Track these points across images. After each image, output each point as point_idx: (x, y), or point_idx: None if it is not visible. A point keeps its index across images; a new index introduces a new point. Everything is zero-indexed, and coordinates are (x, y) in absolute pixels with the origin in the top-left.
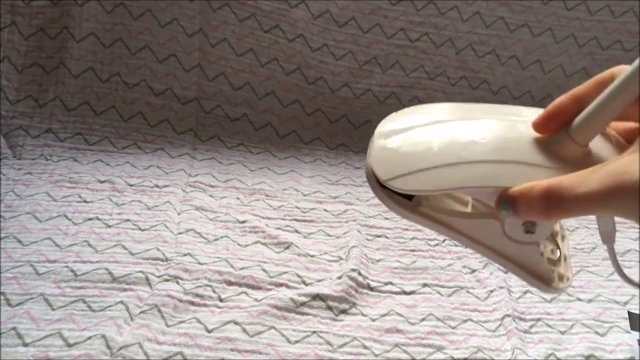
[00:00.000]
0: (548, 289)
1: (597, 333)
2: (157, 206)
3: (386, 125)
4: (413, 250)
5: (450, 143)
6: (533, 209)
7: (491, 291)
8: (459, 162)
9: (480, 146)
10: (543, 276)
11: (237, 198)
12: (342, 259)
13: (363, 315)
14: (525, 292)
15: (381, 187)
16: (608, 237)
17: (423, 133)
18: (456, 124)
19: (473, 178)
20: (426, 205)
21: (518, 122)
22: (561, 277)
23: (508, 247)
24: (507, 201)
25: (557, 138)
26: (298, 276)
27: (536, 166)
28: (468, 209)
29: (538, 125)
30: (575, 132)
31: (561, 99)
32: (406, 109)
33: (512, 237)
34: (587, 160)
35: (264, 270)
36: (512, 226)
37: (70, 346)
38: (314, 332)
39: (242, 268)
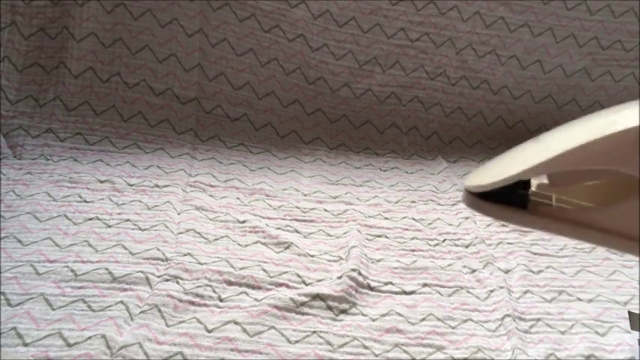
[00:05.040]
0: None
1: (597, 333)
2: (157, 206)
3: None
4: (413, 250)
5: (539, 141)
6: None
7: (492, 291)
8: (552, 145)
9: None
10: None
11: (238, 198)
12: (342, 259)
13: (363, 315)
14: (525, 292)
15: (485, 200)
16: None
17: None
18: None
19: (593, 132)
20: (549, 209)
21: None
22: None
23: None
24: None
25: None
26: (298, 276)
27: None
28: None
29: None
30: None
31: None
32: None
33: None
34: None
35: (264, 270)
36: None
37: (70, 346)
38: (314, 332)
39: (242, 268)
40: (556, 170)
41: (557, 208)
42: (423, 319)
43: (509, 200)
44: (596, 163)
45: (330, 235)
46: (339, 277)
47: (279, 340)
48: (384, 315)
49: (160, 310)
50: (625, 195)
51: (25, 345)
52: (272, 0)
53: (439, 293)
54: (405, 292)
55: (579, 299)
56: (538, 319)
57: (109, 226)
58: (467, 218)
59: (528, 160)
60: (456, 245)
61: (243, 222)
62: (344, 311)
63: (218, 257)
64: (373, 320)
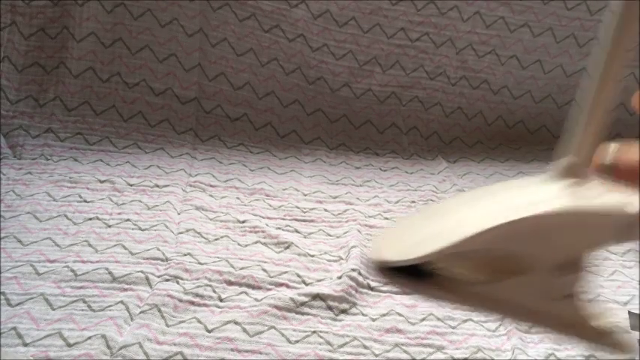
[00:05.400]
0: (613, 348)
1: None
2: (157, 206)
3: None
4: None
5: (449, 215)
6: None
7: None
8: (463, 222)
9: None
10: (600, 335)
11: (238, 198)
12: (342, 258)
13: (363, 315)
14: None
15: (388, 268)
16: None
17: (421, 220)
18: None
19: (496, 218)
20: (444, 281)
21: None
22: (622, 343)
23: (546, 307)
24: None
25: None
26: (298, 276)
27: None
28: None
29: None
30: (575, 154)
31: None
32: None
33: (549, 292)
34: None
35: (264, 270)
36: (544, 277)
37: (70, 345)
38: (314, 332)
39: (242, 268)
40: (465, 250)
41: (457, 280)
42: (423, 319)
43: (414, 270)
44: (514, 244)
45: (330, 235)
46: (339, 277)
47: (279, 340)
48: (384, 315)
49: (160, 310)
50: (510, 274)
51: (25, 345)
52: (272, 0)
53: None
54: (405, 292)
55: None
56: None
57: (109, 226)
58: None
59: (438, 239)
60: None
61: (243, 222)
62: (344, 311)
63: (218, 257)
64: (373, 320)
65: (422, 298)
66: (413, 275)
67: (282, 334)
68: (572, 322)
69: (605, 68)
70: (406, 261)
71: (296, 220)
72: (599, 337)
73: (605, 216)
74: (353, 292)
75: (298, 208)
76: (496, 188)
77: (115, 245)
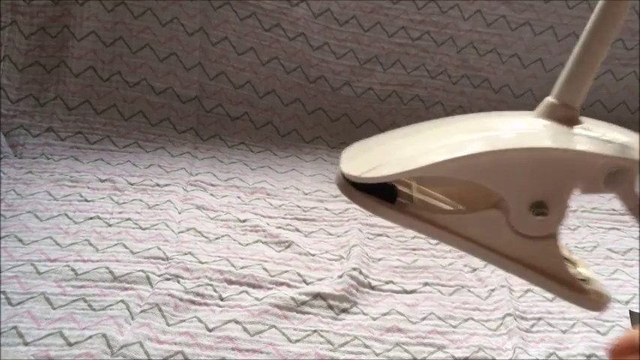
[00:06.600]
0: (584, 302)
1: (598, 332)
2: (157, 205)
3: (352, 145)
4: (414, 249)
5: (425, 135)
6: None
7: (493, 290)
8: (442, 142)
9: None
10: (571, 283)
11: (238, 197)
12: (342, 257)
13: (364, 314)
14: (527, 291)
15: (357, 191)
16: None
17: (397, 137)
18: (428, 130)
19: (464, 148)
20: (414, 208)
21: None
22: (598, 295)
23: (519, 246)
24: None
25: (544, 108)
26: (299, 275)
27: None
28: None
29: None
30: (562, 94)
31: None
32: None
33: (522, 230)
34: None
35: (264, 269)
36: (518, 213)
37: (70, 345)
38: (315, 331)
39: (243, 267)
40: (437, 174)
41: (418, 206)
42: (424, 318)
43: (376, 191)
44: (492, 175)
45: (330, 234)
46: (340, 276)
47: (280, 339)
48: (384, 314)
49: (160, 309)
50: (483, 204)
51: (26, 344)
52: None
53: (440, 292)
54: (405, 291)
55: None
56: (539, 318)
57: (110, 225)
58: None
59: (410, 160)
60: None
61: (244, 221)
62: (345, 310)
63: (219, 256)
64: (374, 319)
65: (385, 221)
66: (376, 197)
67: (283, 334)
68: (545, 265)
69: (600, 17)
70: (380, 178)
71: (297, 219)
72: (573, 283)
73: (599, 158)
74: (354, 291)
75: (299, 207)
76: (476, 115)
77: (115, 244)
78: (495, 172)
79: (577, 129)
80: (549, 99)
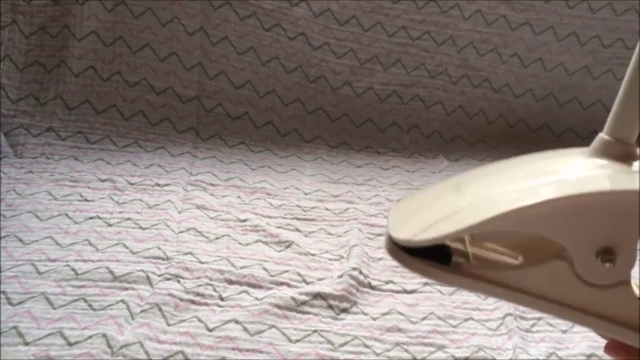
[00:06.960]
0: None
1: None
2: (157, 205)
3: (398, 203)
4: None
5: (477, 187)
6: None
7: None
8: (492, 197)
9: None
10: None
11: (238, 197)
12: (343, 257)
13: (364, 314)
14: None
15: (409, 256)
16: None
17: (446, 190)
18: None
19: (522, 198)
20: (471, 267)
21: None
22: None
23: (590, 297)
24: None
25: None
26: (299, 275)
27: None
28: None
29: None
30: (615, 129)
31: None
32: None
33: (590, 279)
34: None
35: (265, 269)
36: (585, 262)
37: (70, 345)
38: (315, 331)
39: (243, 267)
40: (493, 230)
41: (476, 265)
42: (424, 318)
43: (428, 252)
44: (552, 224)
45: (331, 234)
46: (340, 276)
47: (280, 339)
48: (385, 314)
49: (160, 309)
50: (543, 255)
51: (26, 344)
52: None
53: (440, 292)
54: (406, 291)
55: None
56: (539, 318)
57: (110, 225)
58: None
59: (462, 217)
60: None
61: (244, 221)
62: (345, 310)
63: (219, 256)
64: (374, 319)
65: (446, 284)
66: (426, 258)
67: (283, 333)
68: (620, 313)
69: None
70: (430, 240)
71: (297, 218)
72: None
73: None
74: (354, 291)
75: (299, 206)
76: (525, 159)
77: (115, 244)
78: (559, 220)
79: (637, 165)
80: (603, 136)
